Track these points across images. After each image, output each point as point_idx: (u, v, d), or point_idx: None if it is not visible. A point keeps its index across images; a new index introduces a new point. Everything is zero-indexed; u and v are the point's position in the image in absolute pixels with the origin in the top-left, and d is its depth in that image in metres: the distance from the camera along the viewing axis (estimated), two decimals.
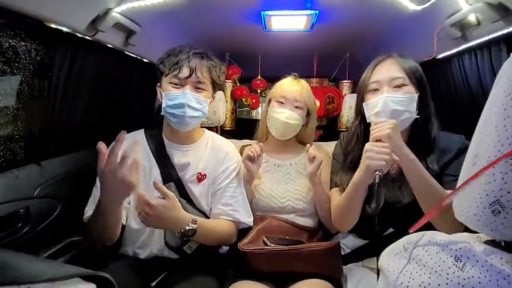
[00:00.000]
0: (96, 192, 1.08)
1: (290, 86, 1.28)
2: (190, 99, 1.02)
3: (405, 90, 0.96)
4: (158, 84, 1.11)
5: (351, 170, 1.03)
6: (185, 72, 1.03)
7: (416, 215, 0.82)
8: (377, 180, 0.85)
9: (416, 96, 0.96)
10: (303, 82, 1.32)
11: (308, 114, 1.31)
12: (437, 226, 0.86)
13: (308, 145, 1.17)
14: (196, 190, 1.10)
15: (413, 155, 0.88)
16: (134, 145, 0.79)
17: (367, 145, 0.88)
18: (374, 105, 0.98)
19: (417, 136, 1.01)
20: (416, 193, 0.89)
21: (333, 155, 1.21)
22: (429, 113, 1.01)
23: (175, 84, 1.04)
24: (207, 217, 1.10)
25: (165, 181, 1.06)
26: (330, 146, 1.41)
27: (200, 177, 1.10)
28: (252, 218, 1.14)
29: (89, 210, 1.04)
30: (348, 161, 1.09)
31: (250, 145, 1.40)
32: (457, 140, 0.98)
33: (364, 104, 1.04)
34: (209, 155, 1.14)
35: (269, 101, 1.34)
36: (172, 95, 1.03)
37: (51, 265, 0.51)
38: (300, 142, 1.39)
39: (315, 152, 1.13)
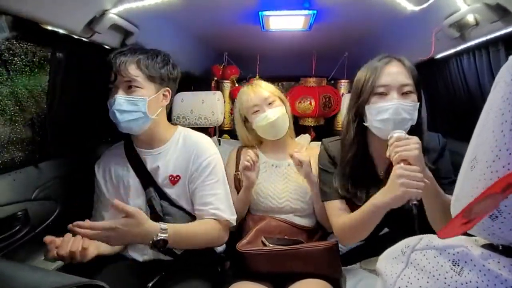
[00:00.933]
0: (98, 208, 1.09)
1: (253, 93, 1.27)
2: (121, 103, 0.96)
3: (412, 98, 0.92)
4: None
5: (352, 178, 1.01)
6: (112, 76, 0.98)
7: (411, 216, 0.82)
8: (415, 211, 0.80)
9: (418, 104, 0.94)
10: (258, 81, 1.33)
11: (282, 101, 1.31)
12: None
13: (289, 153, 1.16)
14: (172, 192, 1.06)
15: (431, 174, 0.85)
16: None
17: (400, 170, 0.80)
18: (382, 110, 0.91)
19: None
20: (428, 205, 0.86)
21: (320, 165, 1.12)
22: (422, 117, 0.99)
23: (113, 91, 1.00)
24: (192, 216, 1.08)
25: (145, 187, 1.05)
26: None
27: (173, 179, 1.06)
28: (236, 216, 1.10)
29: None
30: (348, 170, 1.02)
31: (246, 146, 1.39)
32: (437, 139, 1.01)
33: (367, 107, 0.96)
34: (180, 154, 1.07)
35: (244, 118, 1.32)
36: (111, 103, 0.98)
37: (46, 275, 0.52)
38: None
39: (298, 157, 1.12)
